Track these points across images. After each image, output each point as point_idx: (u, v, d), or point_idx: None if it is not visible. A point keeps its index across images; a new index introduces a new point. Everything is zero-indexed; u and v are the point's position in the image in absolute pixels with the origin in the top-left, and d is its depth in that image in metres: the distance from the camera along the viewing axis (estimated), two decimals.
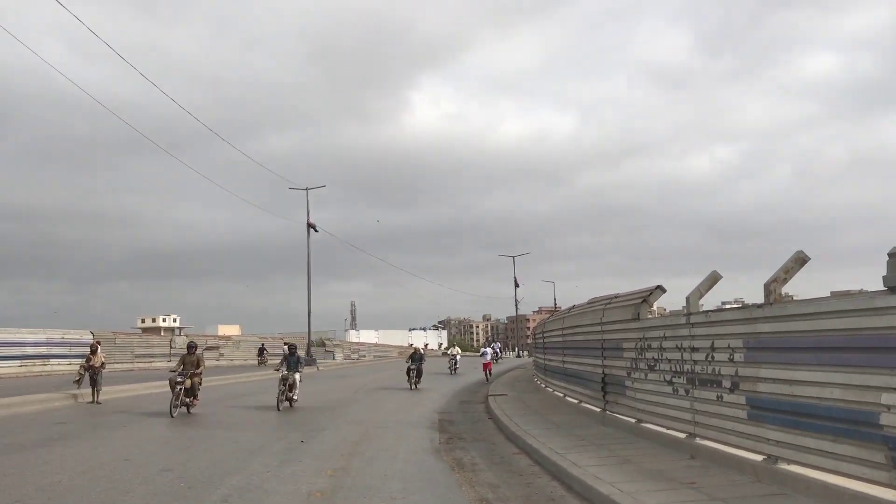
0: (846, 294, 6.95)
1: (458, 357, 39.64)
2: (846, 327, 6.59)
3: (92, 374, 20.93)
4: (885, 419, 5.96)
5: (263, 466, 10.56)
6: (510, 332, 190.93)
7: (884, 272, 6.00)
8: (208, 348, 58.35)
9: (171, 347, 56.30)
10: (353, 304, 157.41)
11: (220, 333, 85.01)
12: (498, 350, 35.66)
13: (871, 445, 6.18)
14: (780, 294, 7.88)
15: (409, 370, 28.47)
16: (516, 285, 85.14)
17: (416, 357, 29.13)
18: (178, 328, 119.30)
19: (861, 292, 6.67)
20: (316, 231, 53.08)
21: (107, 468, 10.34)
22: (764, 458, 7.97)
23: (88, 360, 21.37)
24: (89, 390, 21.02)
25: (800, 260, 7.85)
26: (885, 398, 5.99)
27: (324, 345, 73.16)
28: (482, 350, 29.99)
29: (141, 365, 49.62)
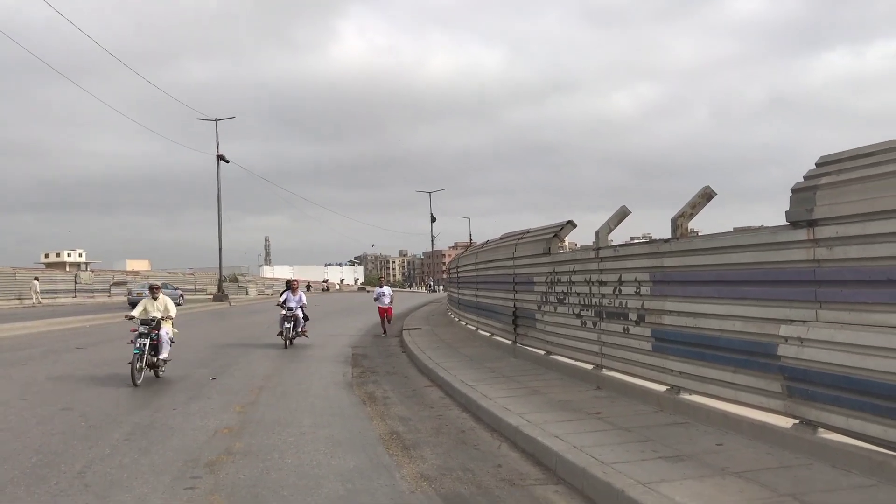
0: (749, 229, 7.06)
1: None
2: (748, 261, 6.73)
3: None
4: (783, 350, 6.14)
5: (170, 403, 10.31)
6: (426, 268, 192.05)
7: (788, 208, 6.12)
8: (115, 283, 56.78)
9: (76, 283, 54.53)
10: (266, 240, 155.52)
11: (129, 268, 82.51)
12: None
13: (769, 375, 6.38)
14: (687, 229, 8.00)
15: (282, 320, 18.43)
16: (432, 220, 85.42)
17: (292, 298, 18.88)
18: (84, 263, 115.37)
19: (763, 227, 6.79)
20: (227, 162, 51.57)
21: (3, 408, 9.92)
22: (667, 389, 8.18)
23: None
24: None
25: (706, 195, 7.96)
26: (784, 330, 6.16)
27: (237, 280, 72.07)
28: (377, 291, 23.53)
29: (46, 301, 47.94)
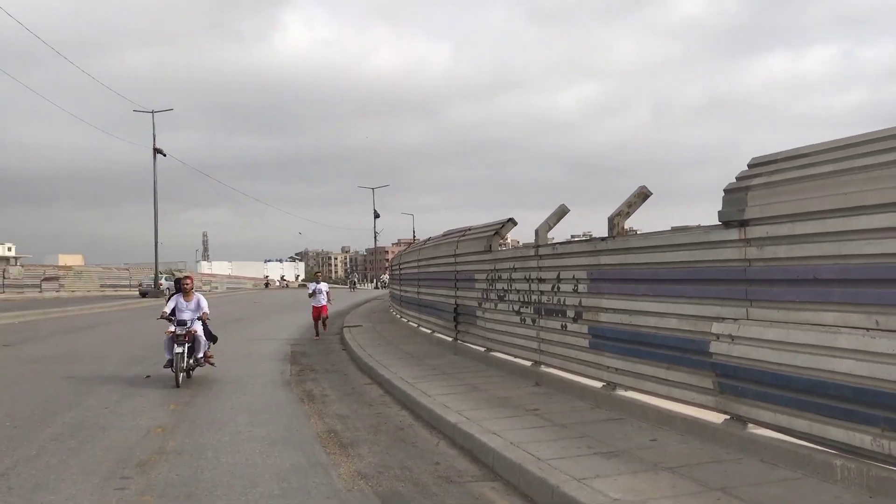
0: (684, 228, 7.19)
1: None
2: (683, 260, 6.85)
3: None
4: (715, 347, 6.27)
5: (102, 402, 10.07)
6: (369, 264, 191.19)
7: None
8: (46, 279, 55.22)
9: (3, 278, 52.81)
10: (205, 235, 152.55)
11: (62, 263, 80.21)
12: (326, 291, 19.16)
13: (702, 372, 6.50)
14: (623, 227, 8.11)
15: (169, 342, 11.84)
16: (375, 216, 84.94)
17: (184, 306, 12.31)
18: (13, 258, 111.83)
19: (698, 227, 6.92)
20: (164, 156, 50.49)
21: None
22: (603, 385, 8.29)
23: None
24: None
25: (642, 194, 8.07)
26: (716, 327, 6.28)
27: (173, 275, 70.70)
28: (313, 287, 21.02)
29: None
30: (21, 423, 8.70)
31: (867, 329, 4.87)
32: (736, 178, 6.19)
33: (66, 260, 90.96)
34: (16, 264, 71.64)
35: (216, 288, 76.03)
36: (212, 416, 9.04)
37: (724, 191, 6.22)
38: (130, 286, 60.17)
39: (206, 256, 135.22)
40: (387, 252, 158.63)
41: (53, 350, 17.16)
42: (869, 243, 4.86)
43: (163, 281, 50.17)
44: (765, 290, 5.83)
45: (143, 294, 50.55)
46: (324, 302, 20.61)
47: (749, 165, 6.15)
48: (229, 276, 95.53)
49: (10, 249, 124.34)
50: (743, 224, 5.99)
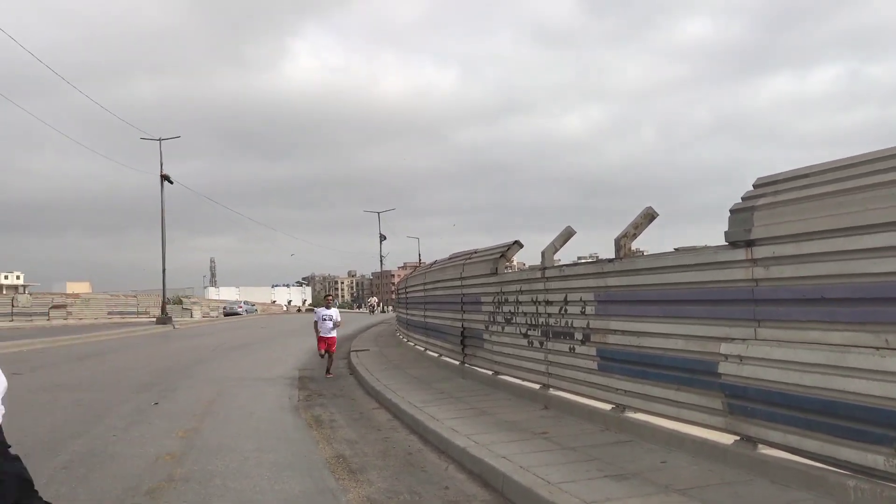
0: (691, 249, 7.21)
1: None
2: (690, 280, 6.86)
3: None
4: (723, 368, 6.26)
5: (110, 430, 10.05)
6: (375, 288, 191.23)
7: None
8: (55, 307, 55.28)
9: (12, 306, 52.91)
10: (212, 261, 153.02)
11: (69, 291, 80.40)
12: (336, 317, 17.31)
13: (710, 393, 6.49)
14: (630, 249, 8.12)
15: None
16: (382, 239, 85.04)
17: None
18: (21, 286, 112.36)
19: (706, 247, 6.94)
20: (171, 183, 50.75)
21: None
22: (612, 408, 8.26)
23: None
24: None
25: (648, 216, 8.10)
26: (724, 348, 6.28)
27: (181, 302, 70.69)
28: (320, 313, 16.98)
29: None
30: (30, 451, 8.66)
31: (877, 348, 4.86)
32: (742, 198, 6.22)
33: (73, 287, 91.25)
34: (24, 292, 71.93)
35: (223, 314, 76.06)
36: (219, 443, 9.03)
37: (731, 211, 6.25)
38: (137, 313, 60.29)
39: (213, 282, 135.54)
40: (393, 276, 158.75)
41: (62, 378, 17.17)
42: (874, 262, 4.87)
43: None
44: (772, 309, 5.83)
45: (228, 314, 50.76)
46: (332, 333, 16.71)
47: (754, 186, 6.18)
48: (237, 302, 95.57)
49: (18, 278, 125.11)
50: (749, 244, 6.00)
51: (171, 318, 52.17)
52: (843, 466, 5.16)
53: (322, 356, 16.95)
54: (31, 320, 51.96)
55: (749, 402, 6.02)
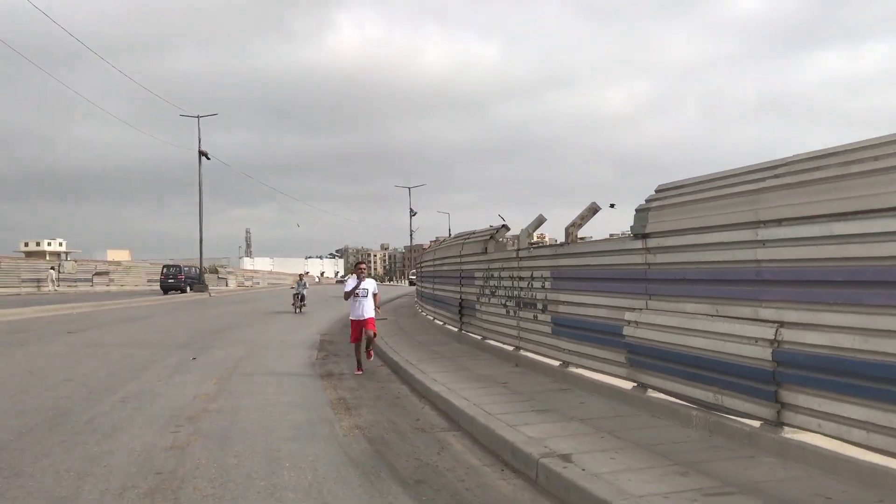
0: (614, 237, 9.02)
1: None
2: (611, 263, 8.72)
3: None
4: (626, 331, 8.13)
5: (156, 377, 12.17)
6: (407, 262, 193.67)
7: None
8: (98, 273, 58.22)
9: (58, 273, 55.90)
10: (247, 232, 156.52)
11: (110, 258, 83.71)
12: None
13: (618, 350, 8.38)
14: (576, 236, 9.98)
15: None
16: (412, 214, 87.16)
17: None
18: (64, 252, 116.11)
19: (621, 236, 8.76)
20: (208, 159, 53.20)
21: (15, 378, 11.79)
22: (560, 364, 10.18)
23: None
24: None
25: (592, 209, 9.93)
26: (627, 315, 8.15)
27: (217, 272, 73.47)
28: (351, 283, 12.94)
29: (28, 290, 49.34)
30: (94, 390, 10.84)
31: (710, 315, 6.73)
32: (645, 200, 8.04)
33: (114, 255, 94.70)
34: (67, 259, 75.10)
35: (258, 283, 78.54)
36: (246, 388, 11.08)
37: (635, 210, 8.08)
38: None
39: (248, 253, 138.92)
40: (424, 249, 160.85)
41: (111, 336, 19.47)
42: (714, 253, 6.71)
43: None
44: (656, 287, 7.70)
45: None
46: (368, 312, 12.82)
47: (655, 191, 7.99)
48: (271, 272, 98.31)
49: (61, 244, 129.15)
50: (645, 237, 7.84)
51: (207, 286, 54.85)
52: (691, 401, 7.04)
53: (358, 348, 12.86)
54: (76, 286, 54.95)
55: (641, 357, 7.90)
